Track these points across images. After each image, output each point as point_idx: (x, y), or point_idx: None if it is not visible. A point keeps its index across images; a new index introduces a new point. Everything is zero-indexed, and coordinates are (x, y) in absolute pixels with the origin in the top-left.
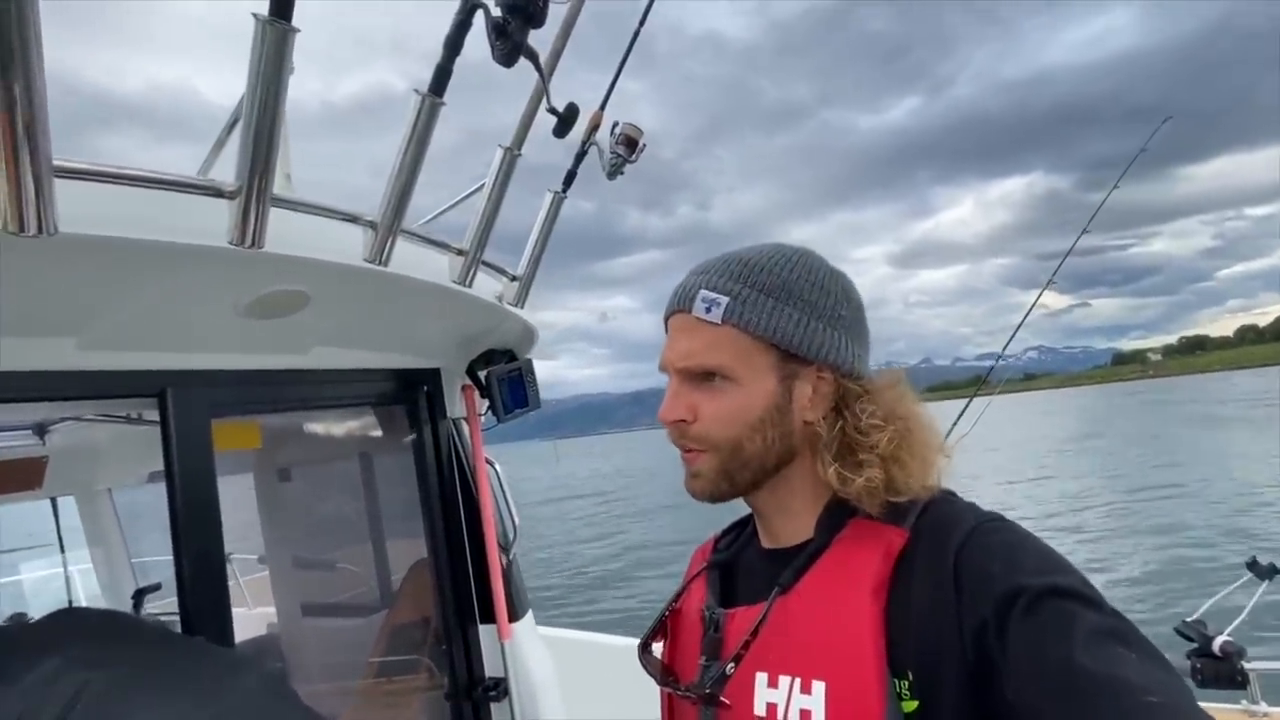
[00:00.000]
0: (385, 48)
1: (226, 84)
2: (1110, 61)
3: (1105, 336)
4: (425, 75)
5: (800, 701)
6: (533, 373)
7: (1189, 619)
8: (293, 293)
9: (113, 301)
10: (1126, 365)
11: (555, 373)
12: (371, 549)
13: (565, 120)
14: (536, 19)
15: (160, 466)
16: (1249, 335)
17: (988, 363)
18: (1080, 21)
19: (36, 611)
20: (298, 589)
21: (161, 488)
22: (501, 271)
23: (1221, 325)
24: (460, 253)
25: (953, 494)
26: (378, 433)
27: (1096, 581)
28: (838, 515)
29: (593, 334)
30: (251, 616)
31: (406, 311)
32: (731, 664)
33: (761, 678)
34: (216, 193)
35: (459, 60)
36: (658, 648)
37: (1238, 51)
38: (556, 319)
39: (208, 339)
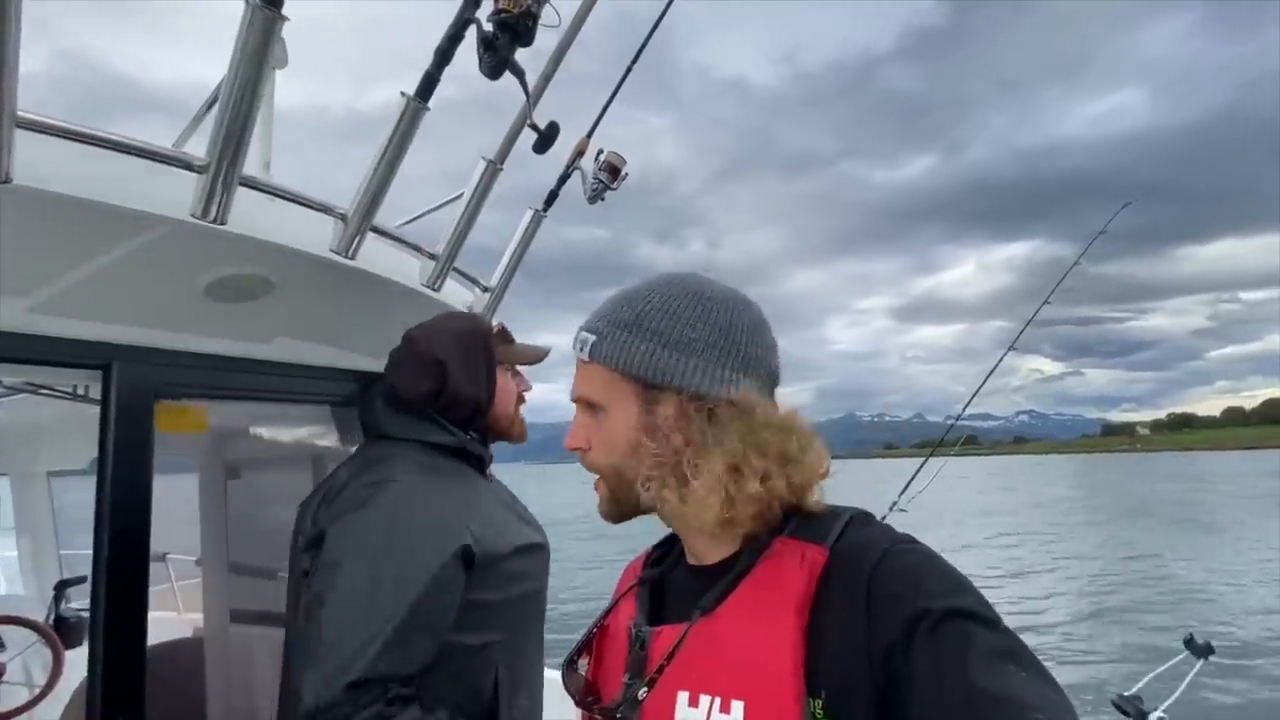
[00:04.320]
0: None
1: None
2: (1120, 139)
3: (1096, 406)
4: (455, 93)
5: None
6: None
7: (1126, 693)
8: (256, 277)
9: (70, 265)
10: (1115, 436)
11: (549, 396)
12: None
13: (545, 138)
14: (524, 38)
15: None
16: (1235, 417)
17: (979, 422)
18: (1094, 97)
19: None
20: (229, 593)
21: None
22: (474, 281)
23: (1209, 405)
24: (432, 257)
25: (869, 515)
26: (332, 435)
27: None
28: (763, 535)
29: None
30: (183, 621)
31: (373, 311)
32: (645, 688)
33: (683, 697)
34: (186, 165)
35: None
36: (584, 667)
37: (1242, 140)
38: (557, 342)
39: (164, 316)
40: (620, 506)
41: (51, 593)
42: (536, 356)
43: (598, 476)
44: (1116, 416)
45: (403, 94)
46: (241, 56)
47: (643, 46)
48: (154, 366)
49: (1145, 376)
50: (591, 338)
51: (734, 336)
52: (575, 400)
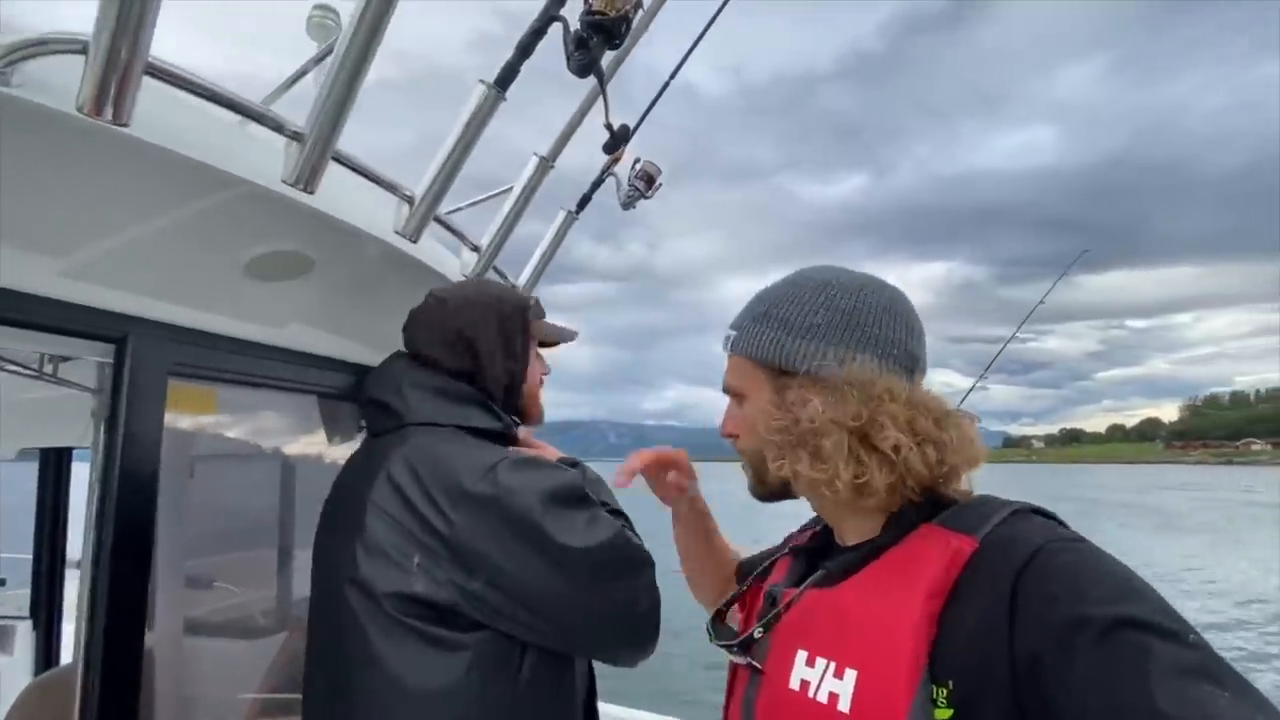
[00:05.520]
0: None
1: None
2: (1030, 173)
3: (999, 420)
4: (393, 73)
5: (831, 684)
6: None
7: None
8: (302, 256)
9: (125, 223)
10: (1015, 449)
11: None
12: (277, 560)
13: (618, 138)
14: (617, 40)
15: (32, 444)
16: (1117, 434)
17: None
18: (1009, 131)
19: None
20: (185, 601)
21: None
22: (503, 276)
23: (1095, 422)
24: (475, 249)
25: (1038, 510)
26: (317, 430)
27: None
28: (908, 518)
29: None
30: None
31: (407, 300)
32: (760, 629)
33: (801, 655)
34: (277, 127)
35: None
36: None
37: (1136, 182)
38: None
39: (190, 291)
40: (765, 487)
41: None
42: (568, 337)
43: (744, 461)
44: (1016, 430)
45: (481, 81)
46: (358, 24)
47: (688, 54)
48: (171, 344)
49: (1043, 394)
50: (733, 333)
51: (858, 318)
52: (724, 391)
